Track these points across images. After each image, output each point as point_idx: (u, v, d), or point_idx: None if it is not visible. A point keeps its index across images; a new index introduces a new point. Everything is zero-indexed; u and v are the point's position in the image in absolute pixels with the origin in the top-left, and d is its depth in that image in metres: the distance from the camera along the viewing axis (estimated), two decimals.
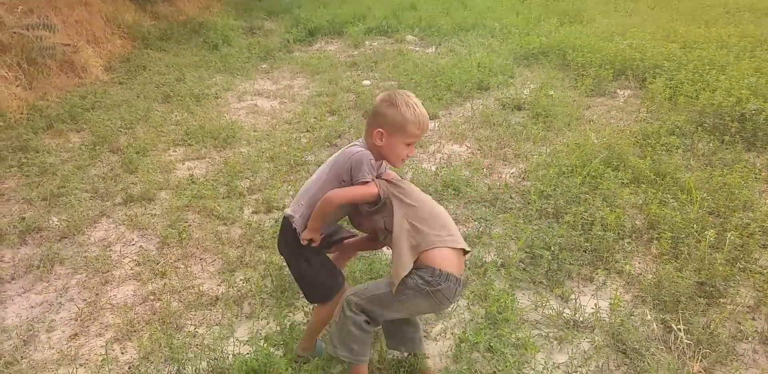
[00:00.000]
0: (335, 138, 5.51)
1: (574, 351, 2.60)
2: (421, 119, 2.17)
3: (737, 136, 4.66)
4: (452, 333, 2.69)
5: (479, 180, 4.43)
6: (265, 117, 6.34)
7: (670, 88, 5.86)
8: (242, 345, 2.56)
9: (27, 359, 2.56)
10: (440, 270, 2.03)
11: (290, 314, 2.80)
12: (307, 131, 5.74)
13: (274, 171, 4.62)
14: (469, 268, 3.19)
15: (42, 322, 2.80)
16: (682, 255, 3.16)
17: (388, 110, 2.18)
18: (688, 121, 5.02)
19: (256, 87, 7.54)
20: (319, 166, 4.68)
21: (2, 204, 3.97)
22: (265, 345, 2.25)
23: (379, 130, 2.21)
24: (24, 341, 2.66)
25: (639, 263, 3.24)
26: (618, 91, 6.80)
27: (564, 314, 2.83)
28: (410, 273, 2.03)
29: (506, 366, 2.39)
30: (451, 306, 2.23)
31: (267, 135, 5.61)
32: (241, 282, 3.08)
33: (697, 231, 3.32)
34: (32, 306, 2.92)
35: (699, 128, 4.88)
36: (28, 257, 3.31)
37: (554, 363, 2.51)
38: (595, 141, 4.60)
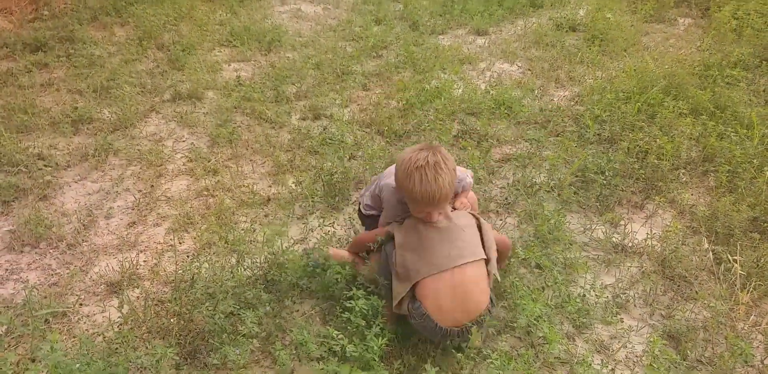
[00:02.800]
0: (381, 49, 5.35)
1: (622, 274, 2.62)
2: (425, 195, 1.96)
3: None
4: None
5: (531, 101, 4.32)
6: (309, 22, 6.14)
7: (737, 18, 5.53)
8: (296, 243, 2.62)
9: (88, 242, 2.65)
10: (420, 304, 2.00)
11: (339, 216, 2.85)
12: (353, 40, 5.57)
13: (321, 79, 4.53)
14: (518, 189, 3.17)
15: (100, 209, 2.87)
16: (738, 190, 3.11)
17: (401, 179, 2.03)
18: (753, 54, 4.78)
19: None
20: (366, 76, 4.66)
21: (53, 93, 3.97)
22: (320, 242, 2.29)
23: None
24: (84, 225, 2.74)
25: (692, 194, 3.20)
26: (678, 18, 6.45)
27: (613, 239, 2.83)
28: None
29: (554, 283, 2.43)
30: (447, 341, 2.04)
31: (312, 41, 5.46)
32: (293, 184, 3.10)
33: (754, 167, 3.24)
34: (89, 194, 2.99)
35: (763, 63, 4.65)
36: (83, 146, 3.35)
37: (602, 283, 2.55)
38: (654, 68, 4.40)
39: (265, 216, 2.89)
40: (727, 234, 2.82)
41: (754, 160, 3.24)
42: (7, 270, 2.42)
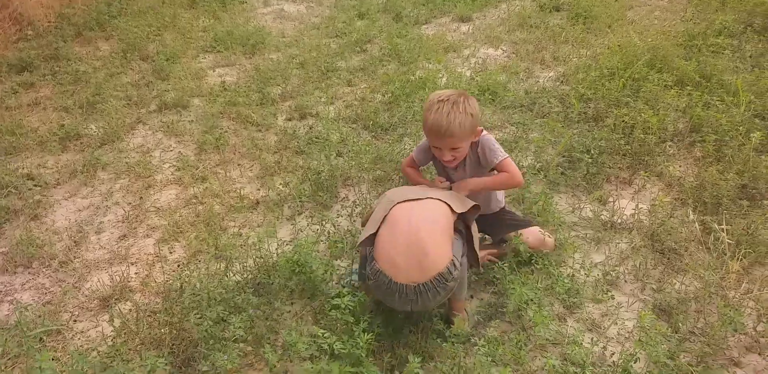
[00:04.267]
0: (365, 43, 5.34)
1: (612, 251, 2.62)
2: (434, 124, 2.14)
3: None
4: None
5: (516, 84, 4.31)
6: (293, 22, 6.14)
7: None
8: (284, 244, 2.65)
9: (79, 259, 2.68)
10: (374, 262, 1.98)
11: (327, 214, 2.86)
12: (337, 36, 5.57)
13: (305, 77, 4.54)
14: None
15: (90, 225, 2.91)
16: (726, 158, 3.09)
17: (424, 111, 2.23)
18: (737, 21, 4.73)
19: None
20: (351, 72, 4.66)
21: (40, 112, 4.01)
22: (306, 242, 2.31)
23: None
24: (75, 242, 2.78)
25: (680, 166, 3.18)
26: None
27: (601, 216, 2.83)
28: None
29: (544, 265, 2.44)
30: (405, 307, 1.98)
31: (296, 41, 5.47)
32: (280, 186, 3.12)
33: (741, 134, 3.21)
34: (79, 210, 3.03)
35: (748, 29, 4.61)
36: (71, 163, 3.39)
37: (591, 261, 2.55)
38: (639, 42, 4.36)
39: (254, 220, 2.92)
40: (715, 203, 2.80)
41: (741, 127, 3.21)
42: (0, 292, 2.46)
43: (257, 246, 2.49)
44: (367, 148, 3.44)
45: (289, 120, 3.93)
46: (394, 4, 6.23)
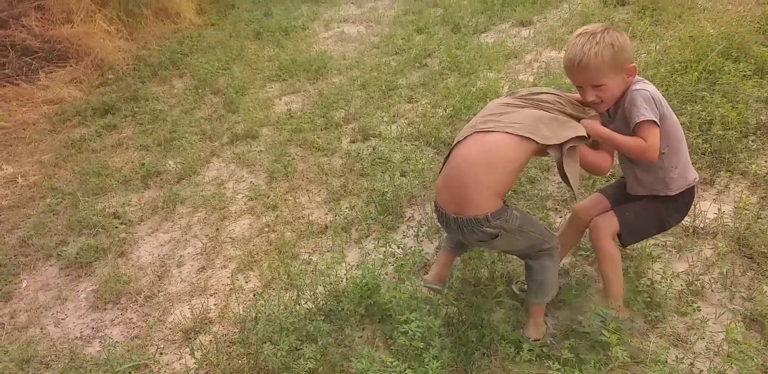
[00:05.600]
0: (425, 57, 5.36)
1: (695, 259, 2.48)
2: (566, 58, 1.99)
3: None
4: None
5: None
6: (353, 43, 6.26)
7: None
8: (353, 268, 2.68)
9: (163, 292, 2.83)
10: None
11: (393, 236, 2.87)
12: (396, 53, 5.62)
13: (367, 98, 4.60)
14: None
15: (172, 259, 3.06)
16: None
17: None
18: None
19: (342, 13, 7.42)
20: (411, 88, 4.68)
21: (123, 153, 4.28)
22: (373, 266, 2.32)
23: None
24: (159, 276, 2.94)
25: (766, 162, 2.97)
26: None
27: (683, 222, 2.68)
28: None
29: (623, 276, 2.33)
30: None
31: (357, 62, 5.56)
32: (346, 209, 3.17)
33: None
34: (161, 245, 3.20)
35: None
36: (152, 199, 3.59)
37: (673, 272, 2.42)
38: (712, 31, 4.12)
39: (323, 245, 2.97)
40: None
41: None
42: (93, 328, 2.63)
43: (326, 273, 2.53)
44: (430, 166, 3.43)
45: (353, 142, 3.99)
46: (451, 15, 6.22)
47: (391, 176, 3.38)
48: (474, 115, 3.88)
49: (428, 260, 2.68)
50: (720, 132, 3.08)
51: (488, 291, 2.34)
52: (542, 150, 1.97)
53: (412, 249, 2.72)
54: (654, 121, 1.90)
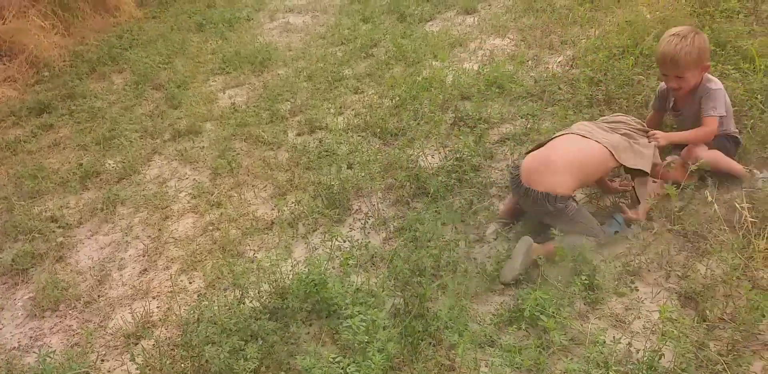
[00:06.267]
0: (371, 47, 5.32)
1: (631, 241, 2.53)
2: (661, 54, 2.58)
3: None
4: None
5: (525, 73, 4.21)
6: (299, 34, 6.17)
7: None
8: (299, 264, 2.65)
9: (104, 297, 2.75)
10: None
11: (340, 229, 2.86)
12: (342, 43, 5.57)
13: (313, 90, 4.55)
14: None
15: (113, 261, 2.98)
16: (746, 129, 2.94)
17: None
18: None
19: (287, 3, 7.30)
20: (358, 78, 4.65)
21: (60, 153, 4.14)
22: (319, 261, 2.31)
23: None
24: (99, 281, 2.85)
25: None
26: None
27: (620, 204, 2.74)
28: None
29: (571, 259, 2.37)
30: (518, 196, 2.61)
31: (302, 53, 5.49)
32: (293, 204, 3.13)
33: (761, 102, 3.05)
34: (101, 247, 3.11)
35: None
36: (92, 201, 3.48)
37: (610, 253, 2.47)
38: (648, 16, 4.21)
39: (270, 241, 2.94)
40: (736, 179, 2.68)
41: (758, 95, 3.05)
42: (31, 337, 2.55)
43: (271, 270, 2.50)
44: (377, 157, 3.43)
45: (300, 135, 3.95)
46: (397, 4, 6.18)
47: (338, 169, 3.36)
48: (419, 104, 3.93)
49: (375, 252, 2.67)
50: None
51: (433, 281, 2.36)
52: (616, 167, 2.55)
53: (359, 241, 2.71)
54: (719, 117, 2.60)
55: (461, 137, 3.35)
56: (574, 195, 2.49)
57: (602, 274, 2.31)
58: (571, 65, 4.18)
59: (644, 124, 2.74)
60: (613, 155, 2.47)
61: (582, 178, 2.49)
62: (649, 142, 2.58)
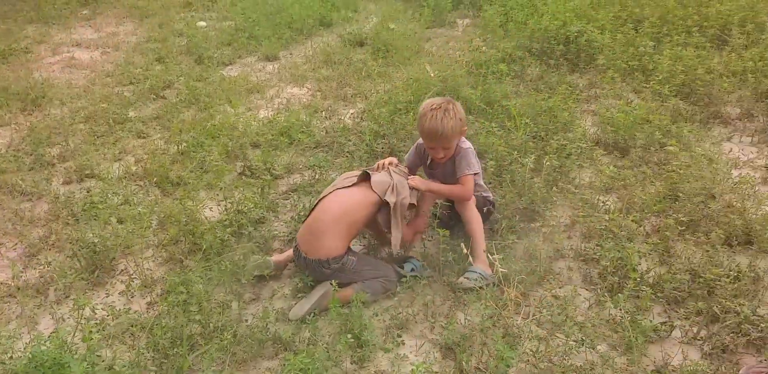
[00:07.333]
0: (163, 89, 5.08)
1: (402, 289, 2.58)
2: (430, 130, 2.62)
3: (562, 59, 4.79)
4: None
5: (319, 123, 4.27)
6: (84, 71, 5.73)
7: (503, 14, 5.88)
8: (42, 341, 2.31)
9: None
10: None
11: (102, 294, 2.57)
12: (131, 83, 5.25)
13: (90, 133, 4.18)
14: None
15: None
16: (505, 182, 3.19)
17: (419, 118, 2.71)
18: (519, 47, 5.05)
19: (75, 36, 6.78)
20: (144, 122, 4.37)
21: None
22: (58, 337, 2.02)
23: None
24: None
25: None
26: (457, 20, 6.77)
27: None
28: None
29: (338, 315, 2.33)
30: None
31: (84, 91, 5.07)
32: (43, 266, 2.76)
33: (519, 157, 3.35)
34: None
35: (528, 54, 4.94)
36: None
37: (381, 306, 2.49)
38: (432, 75, 4.53)
39: (12, 312, 2.54)
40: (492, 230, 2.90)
41: (515, 152, 3.36)
42: None
43: (4, 348, 2.14)
44: (154, 209, 3.19)
45: (67, 184, 3.56)
46: (196, 46, 6.02)
47: (105, 223, 3.05)
48: (207, 152, 3.77)
49: (135, 320, 2.42)
50: None
51: (195, 350, 2.18)
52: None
53: (118, 309, 2.44)
54: (475, 174, 2.74)
55: (243, 189, 3.25)
56: (350, 248, 2.59)
57: (371, 330, 2.32)
58: (362, 118, 4.32)
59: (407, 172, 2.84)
60: (372, 189, 2.60)
61: (353, 231, 2.59)
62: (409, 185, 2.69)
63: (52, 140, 4.04)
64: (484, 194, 2.92)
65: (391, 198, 2.59)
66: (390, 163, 2.79)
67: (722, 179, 3.12)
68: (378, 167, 2.78)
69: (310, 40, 6.32)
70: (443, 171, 2.84)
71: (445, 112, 2.61)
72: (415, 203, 2.73)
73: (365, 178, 2.68)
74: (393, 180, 2.65)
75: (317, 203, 2.65)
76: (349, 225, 2.53)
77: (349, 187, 2.65)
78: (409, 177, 2.74)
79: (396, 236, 2.62)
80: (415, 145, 2.96)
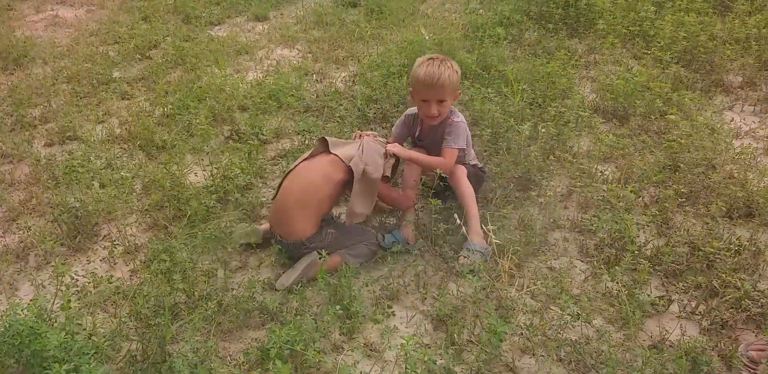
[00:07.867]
0: (149, 49, 4.90)
1: (390, 260, 2.52)
2: (427, 76, 2.46)
3: (561, 23, 4.63)
4: None
5: (309, 87, 4.13)
6: (68, 29, 5.52)
7: None
8: (21, 308, 2.24)
9: None
10: None
11: (83, 260, 2.49)
12: (116, 43, 5.06)
13: (73, 93, 4.03)
14: None
15: None
16: (501, 150, 3.10)
17: (414, 69, 2.54)
18: (516, 10, 4.87)
19: None
20: (129, 83, 4.22)
21: None
22: (36, 305, 1.95)
23: (409, 88, 2.66)
24: None
25: None
26: None
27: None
28: None
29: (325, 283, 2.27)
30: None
31: (68, 51, 4.88)
32: (23, 231, 2.67)
33: (516, 124, 3.25)
34: None
35: (526, 17, 4.78)
36: None
37: (371, 276, 2.43)
38: (426, 37, 4.37)
39: None
40: (484, 199, 2.82)
41: (511, 119, 3.26)
42: None
43: None
44: (138, 173, 3.09)
45: (49, 145, 3.44)
46: (183, 5, 5.79)
47: (88, 187, 2.95)
48: (193, 114, 3.64)
49: (117, 288, 2.34)
50: None
51: (179, 319, 2.12)
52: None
53: (100, 276, 2.37)
54: (460, 148, 2.61)
55: (229, 153, 3.14)
56: (328, 219, 2.56)
57: (360, 301, 2.26)
58: (354, 81, 4.18)
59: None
60: (341, 161, 2.44)
61: (324, 207, 2.46)
62: (385, 153, 2.52)
63: (33, 101, 3.90)
64: (472, 162, 2.83)
65: (355, 164, 2.41)
66: (369, 135, 2.62)
67: (723, 149, 3.04)
68: (354, 137, 2.64)
69: None
70: (432, 140, 2.72)
71: (443, 62, 2.51)
72: (389, 175, 2.54)
73: (325, 144, 2.52)
74: (362, 144, 2.48)
75: (284, 179, 2.51)
76: (318, 203, 2.41)
77: (314, 157, 2.52)
78: (388, 142, 2.62)
79: (356, 203, 2.44)
80: (403, 115, 2.84)
